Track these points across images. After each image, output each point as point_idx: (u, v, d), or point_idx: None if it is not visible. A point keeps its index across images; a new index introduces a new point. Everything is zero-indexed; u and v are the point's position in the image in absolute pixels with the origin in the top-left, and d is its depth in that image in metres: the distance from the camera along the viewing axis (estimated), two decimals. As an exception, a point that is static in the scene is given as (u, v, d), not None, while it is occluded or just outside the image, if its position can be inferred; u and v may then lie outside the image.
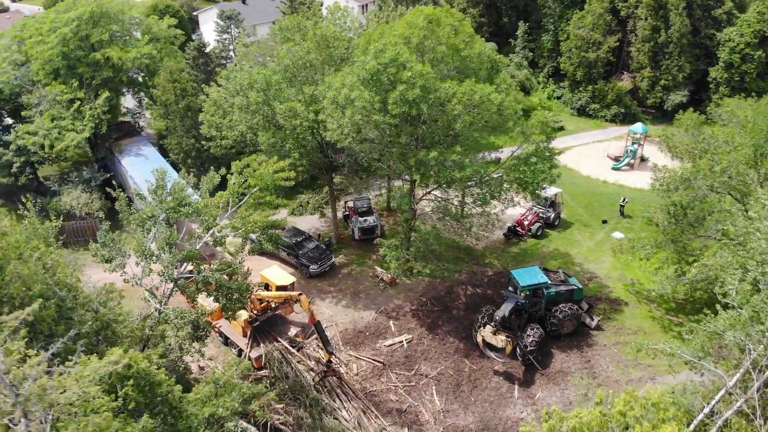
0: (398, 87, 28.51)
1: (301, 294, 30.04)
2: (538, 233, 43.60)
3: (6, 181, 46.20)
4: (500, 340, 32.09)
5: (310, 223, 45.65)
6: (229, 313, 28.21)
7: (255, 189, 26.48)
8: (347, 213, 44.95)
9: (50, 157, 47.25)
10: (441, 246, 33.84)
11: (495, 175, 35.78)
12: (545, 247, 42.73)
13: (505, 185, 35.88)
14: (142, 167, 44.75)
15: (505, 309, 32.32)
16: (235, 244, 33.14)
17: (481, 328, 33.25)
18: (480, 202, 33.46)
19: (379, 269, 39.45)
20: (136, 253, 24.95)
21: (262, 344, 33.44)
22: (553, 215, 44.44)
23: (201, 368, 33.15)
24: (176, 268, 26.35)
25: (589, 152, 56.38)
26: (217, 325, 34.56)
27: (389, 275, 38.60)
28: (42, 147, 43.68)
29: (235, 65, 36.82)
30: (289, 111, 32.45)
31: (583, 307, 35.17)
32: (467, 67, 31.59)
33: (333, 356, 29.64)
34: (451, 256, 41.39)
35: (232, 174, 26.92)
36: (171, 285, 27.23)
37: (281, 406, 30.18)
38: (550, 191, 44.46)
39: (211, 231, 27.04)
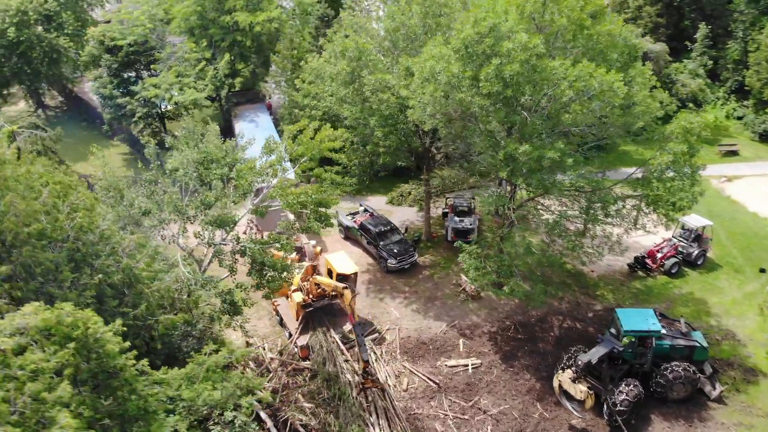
0: (494, 61, 23.52)
1: (346, 288, 26.47)
2: (673, 270, 35.58)
3: (133, 129, 47.92)
4: (580, 390, 25.79)
5: (406, 215, 41.72)
6: (266, 291, 25.45)
7: (304, 159, 23.21)
8: (446, 210, 40.34)
9: (177, 112, 48.32)
10: (533, 263, 28.23)
11: (620, 191, 29.27)
12: (677, 289, 34.73)
13: (628, 203, 29.24)
14: (250, 133, 43.93)
15: (594, 354, 25.92)
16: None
17: (562, 370, 27.14)
18: (587, 218, 27.22)
19: (464, 278, 34.48)
20: (168, 207, 22.97)
21: (312, 332, 30.38)
22: (696, 252, 36.04)
23: (248, 345, 30.96)
24: (209, 232, 24.07)
25: (765, 186, 45.90)
26: (275, 303, 32.23)
27: (472, 286, 33.56)
28: (163, 100, 44.55)
29: (335, 32, 33.76)
30: (378, 83, 28.75)
31: (705, 371, 27.52)
32: (593, 48, 25.55)
33: (368, 365, 25.62)
34: (556, 280, 35.20)
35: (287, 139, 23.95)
36: (210, 250, 25.13)
37: (310, 406, 26.85)
38: (697, 222, 36.22)
39: (259, 197, 24.37)
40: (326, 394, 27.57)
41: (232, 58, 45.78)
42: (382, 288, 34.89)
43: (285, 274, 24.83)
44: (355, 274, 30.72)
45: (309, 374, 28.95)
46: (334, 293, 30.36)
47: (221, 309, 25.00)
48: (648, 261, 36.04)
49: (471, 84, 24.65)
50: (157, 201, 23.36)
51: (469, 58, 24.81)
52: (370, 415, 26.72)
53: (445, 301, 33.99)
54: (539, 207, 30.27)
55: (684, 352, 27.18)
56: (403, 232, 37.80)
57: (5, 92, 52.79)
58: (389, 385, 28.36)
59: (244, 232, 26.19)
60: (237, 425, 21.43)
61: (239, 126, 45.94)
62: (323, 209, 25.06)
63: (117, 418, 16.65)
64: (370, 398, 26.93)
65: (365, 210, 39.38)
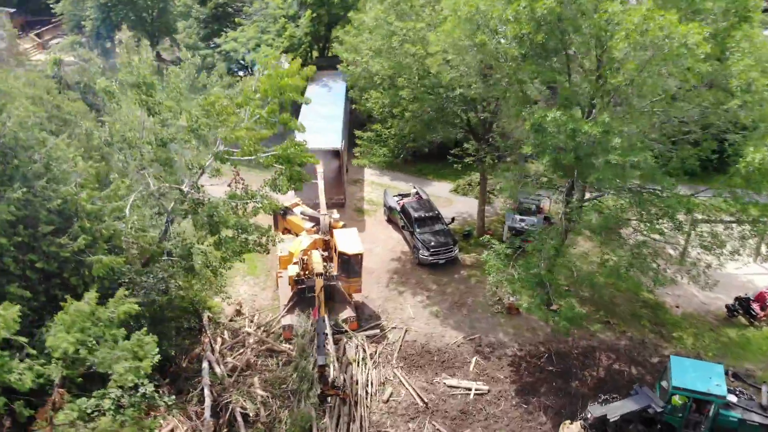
0: (526, -5, 17.78)
1: (319, 275, 22.35)
2: (787, 324, 26.81)
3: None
4: (585, 450, 19.22)
5: (469, 206, 35.97)
6: (223, 253, 21.88)
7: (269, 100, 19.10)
8: (512, 207, 34.14)
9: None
10: (565, 274, 21.96)
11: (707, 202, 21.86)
12: (787, 348, 26.05)
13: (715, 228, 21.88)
14: (319, 96, 41.13)
15: (615, 409, 19.32)
16: None
17: (577, 420, 20.59)
18: (643, 225, 20.38)
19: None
20: (115, 137, 20.14)
21: (301, 313, 26.42)
22: (825, 305, 26.85)
23: (239, 312, 27.85)
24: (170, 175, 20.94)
25: None
26: (278, 274, 28.86)
27: (511, 299, 27.56)
28: (237, 54, 43.12)
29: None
30: (408, 31, 23.94)
31: (789, 466, 19.48)
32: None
33: (324, 371, 21.28)
34: (623, 309, 28.10)
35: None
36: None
37: (264, 394, 22.91)
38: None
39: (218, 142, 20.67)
40: (291, 385, 23.52)
41: (315, 16, 42.95)
42: (406, 281, 29.98)
43: (248, 236, 20.99)
44: (360, 255, 26.30)
45: (285, 359, 25.09)
46: (331, 274, 26.40)
47: (177, 265, 21.96)
48: (755, 305, 27.43)
49: (500, 26, 19.04)
50: (115, 132, 20.61)
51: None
52: (331, 419, 22.21)
53: (475, 309, 28.28)
54: (596, 210, 23.60)
55: (758, 431, 19.35)
56: (448, 222, 32.36)
57: (120, 41, 54.74)
58: (367, 393, 23.59)
59: (229, 185, 22.78)
60: (140, 393, 18.24)
61: (310, 89, 43.08)
62: (297, 167, 20.74)
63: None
64: (330, 401, 22.43)
65: (416, 193, 34.59)
